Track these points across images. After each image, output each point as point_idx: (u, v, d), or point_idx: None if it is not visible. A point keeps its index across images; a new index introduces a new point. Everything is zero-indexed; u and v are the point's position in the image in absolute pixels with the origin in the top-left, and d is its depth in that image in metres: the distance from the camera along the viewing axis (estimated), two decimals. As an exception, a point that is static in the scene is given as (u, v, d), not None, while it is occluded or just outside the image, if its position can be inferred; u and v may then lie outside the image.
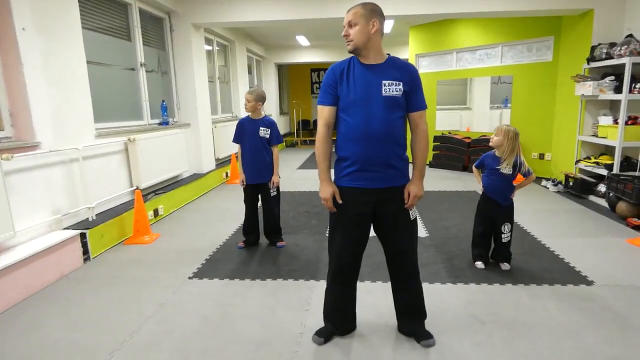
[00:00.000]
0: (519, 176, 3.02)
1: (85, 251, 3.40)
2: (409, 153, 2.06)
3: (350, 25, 1.93)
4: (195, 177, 5.79)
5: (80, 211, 3.61)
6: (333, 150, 2.03)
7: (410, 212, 2.08)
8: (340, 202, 2.05)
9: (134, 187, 4.34)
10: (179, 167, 5.35)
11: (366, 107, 1.94)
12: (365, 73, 1.96)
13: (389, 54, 2.02)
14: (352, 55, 2.02)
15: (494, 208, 3.05)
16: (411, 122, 2.06)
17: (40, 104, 3.22)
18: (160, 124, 5.26)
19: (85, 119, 3.75)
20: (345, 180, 2.04)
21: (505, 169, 2.95)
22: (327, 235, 2.21)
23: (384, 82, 1.94)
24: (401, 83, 1.95)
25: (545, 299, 2.64)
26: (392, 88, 1.94)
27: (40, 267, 2.96)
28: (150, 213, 4.40)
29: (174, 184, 5.24)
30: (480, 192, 3.17)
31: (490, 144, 3.00)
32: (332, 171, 2.11)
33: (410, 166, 2.05)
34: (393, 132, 1.97)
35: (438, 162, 7.53)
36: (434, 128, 7.74)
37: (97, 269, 3.28)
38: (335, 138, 2.09)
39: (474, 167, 3.20)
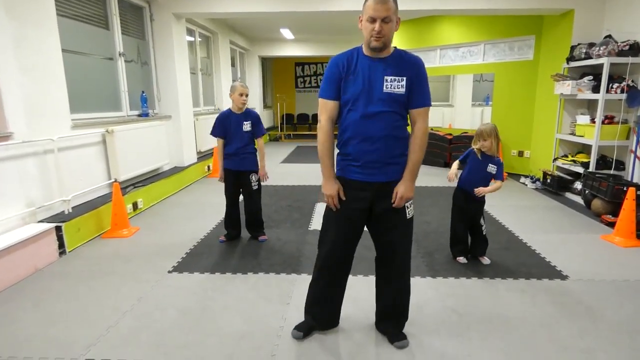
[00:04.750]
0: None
1: (61, 245, 3.32)
2: None
3: (384, 21, 1.80)
4: (176, 170, 5.70)
5: (55, 204, 3.52)
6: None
7: (407, 211, 2.04)
8: (344, 198, 1.99)
9: (112, 180, 4.25)
10: (160, 159, 5.25)
11: (366, 103, 1.89)
12: (369, 67, 1.90)
13: (395, 47, 1.95)
14: (356, 46, 1.95)
15: (473, 202, 3.12)
16: (411, 119, 1.97)
17: (13, 93, 3.11)
18: (139, 115, 5.15)
19: (61, 109, 3.64)
20: (342, 173, 2.01)
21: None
22: (320, 228, 2.15)
23: (386, 77, 1.88)
24: (404, 79, 1.88)
25: (522, 292, 2.70)
26: (394, 84, 1.88)
27: (14, 260, 2.87)
28: (129, 206, 4.31)
29: (154, 177, 5.15)
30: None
31: (484, 149, 3.01)
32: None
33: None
34: (393, 130, 1.92)
35: (420, 158, 7.58)
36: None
37: (73, 263, 3.20)
38: (336, 133, 2.05)
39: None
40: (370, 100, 1.89)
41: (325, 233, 2.11)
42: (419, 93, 1.92)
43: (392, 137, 1.93)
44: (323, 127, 1.97)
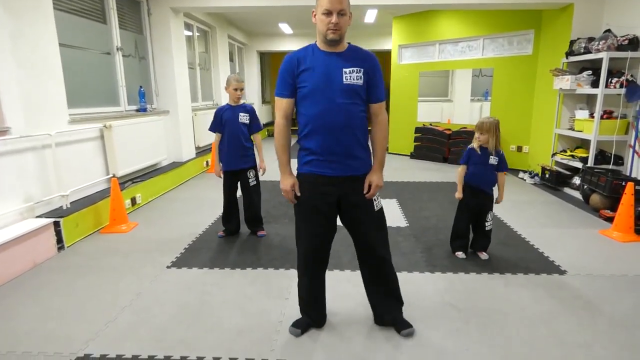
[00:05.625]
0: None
1: (60, 240, 3.31)
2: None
3: (340, 13, 1.85)
4: (175, 165, 5.68)
5: (53, 199, 3.51)
6: (294, 142, 2.01)
7: (375, 203, 2.06)
8: (299, 194, 2.02)
9: (111, 175, 4.24)
10: (158, 155, 5.23)
11: (326, 96, 1.90)
12: (326, 61, 1.92)
13: (349, 43, 2.00)
14: (310, 43, 1.99)
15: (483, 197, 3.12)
16: (372, 112, 2.03)
17: (10, 88, 3.09)
18: (137, 110, 5.12)
19: (58, 104, 3.62)
20: (306, 168, 2.02)
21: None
22: (295, 227, 2.16)
23: (344, 69, 1.91)
24: (362, 70, 1.92)
25: (520, 287, 2.70)
26: (353, 76, 1.91)
27: (12, 255, 2.86)
28: (128, 202, 4.30)
29: (152, 172, 5.14)
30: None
31: (481, 143, 3.03)
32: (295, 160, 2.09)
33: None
34: (354, 122, 1.94)
35: (419, 153, 7.59)
36: (415, 119, 7.79)
37: (71, 258, 3.20)
38: (296, 128, 2.06)
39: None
40: (330, 92, 1.90)
41: (299, 232, 2.13)
42: (377, 87, 1.99)
43: (354, 128, 1.95)
44: (278, 124, 2.01)
